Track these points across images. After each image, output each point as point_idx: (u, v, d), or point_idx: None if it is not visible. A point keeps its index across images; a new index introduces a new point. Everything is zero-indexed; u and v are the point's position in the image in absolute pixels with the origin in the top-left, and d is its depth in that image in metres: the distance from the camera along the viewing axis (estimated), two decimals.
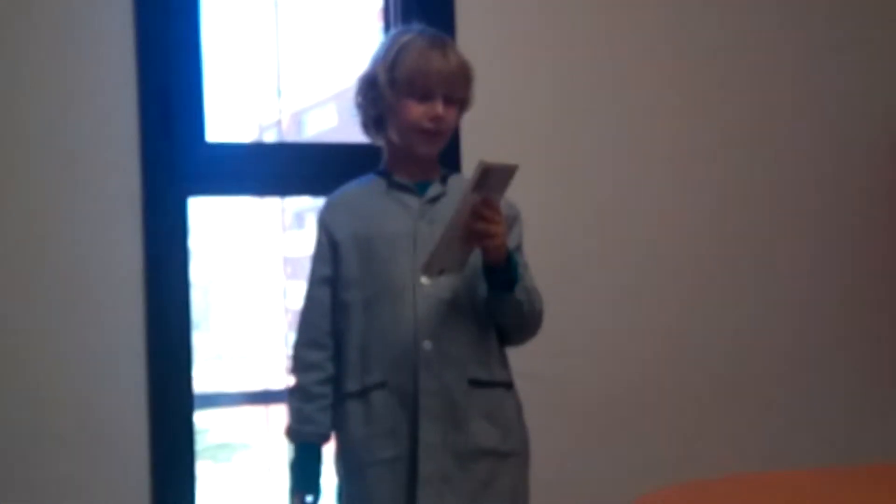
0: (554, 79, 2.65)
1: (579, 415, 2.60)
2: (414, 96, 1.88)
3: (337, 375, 1.94)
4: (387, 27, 2.58)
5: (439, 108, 1.87)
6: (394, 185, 1.94)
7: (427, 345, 1.85)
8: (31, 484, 2.18)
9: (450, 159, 2.35)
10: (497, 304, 1.87)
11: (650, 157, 2.73)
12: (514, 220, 1.95)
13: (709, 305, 2.77)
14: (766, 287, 2.83)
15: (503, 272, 1.82)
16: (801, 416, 2.82)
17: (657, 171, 2.74)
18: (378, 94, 1.92)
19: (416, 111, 1.88)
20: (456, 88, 1.90)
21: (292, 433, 1.94)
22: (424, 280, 1.84)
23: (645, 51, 2.74)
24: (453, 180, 1.98)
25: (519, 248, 1.96)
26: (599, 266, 2.67)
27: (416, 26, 1.97)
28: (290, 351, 1.97)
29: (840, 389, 2.88)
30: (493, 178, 1.70)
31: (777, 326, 2.84)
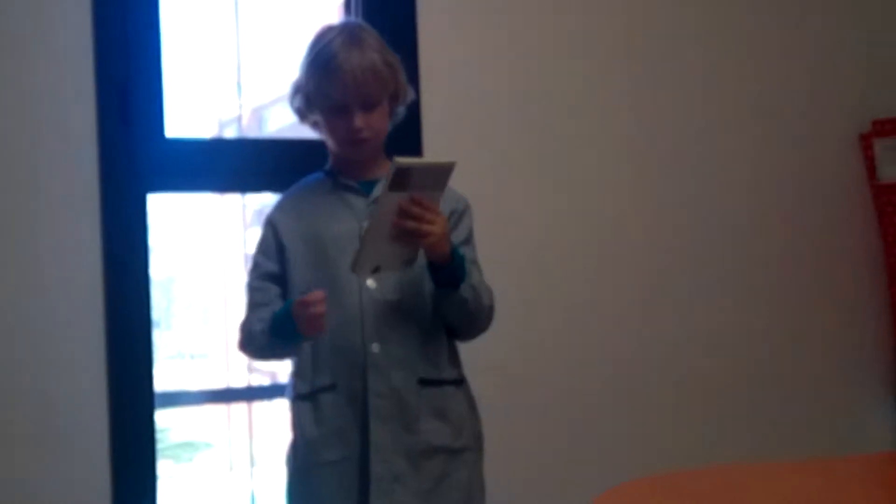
0: (515, 66, 2.65)
1: (544, 409, 2.60)
2: (329, 112, 1.88)
3: (290, 376, 1.94)
4: None
5: (356, 120, 1.85)
6: (339, 186, 1.94)
7: (375, 347, 1.85)
8: None
9: (412, 149, 2.35)
10: (442, 300, 1.87)
11: (617, 153, 2.74)
12: (461, 213, 1.95)
13: (677, 302, 2.78)
14: (739, 280, 2.85)
15: (447, 269, 1.82)
16: (777, 411, 2.84)
17: (623, 164, 2.75)
18: (301, 111, 1.94)
19: (335, 126, 1.88)
20: (369, 93, 1.86)
21: (272, 332, 1.85)
22: (370, 282, 1.84)
23: (611, 47, 2.75)
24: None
25: (468, 241, 1.95)
26: (566, 259, 2.67)
27: (337, 25, 1.94)
28: (240, 325, 1.93)
29: (815, 380, 2.91)
30: (417, 176, 1.69)
31: (750, 323, 2.86)
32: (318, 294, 1.76)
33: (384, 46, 1.91)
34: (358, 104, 1.85)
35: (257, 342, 1.88)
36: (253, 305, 1.92)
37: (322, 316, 1.76)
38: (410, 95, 1.98)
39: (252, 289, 1.93)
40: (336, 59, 1.84)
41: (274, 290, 1.90)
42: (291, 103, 1.96)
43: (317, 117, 1.91)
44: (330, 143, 1.94)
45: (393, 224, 1.72)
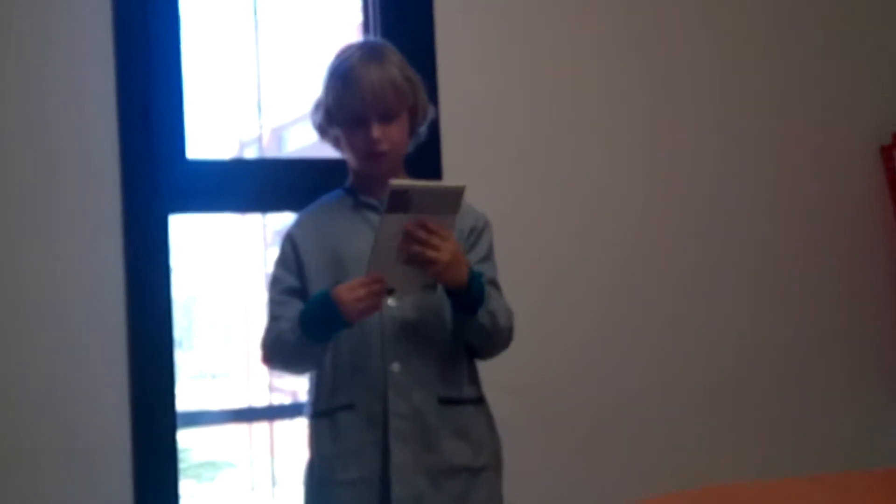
0: (533, 87, 2.65)
1: (563, 428, 2.59)
2: (347, 125, 1.88)
3: (308, 394, 1.94)
4: None
5: (374, 131, 1.85)
6: (359, 203, 1.94)
7: (395, 367, 1.84)
8: (13, 503, 2.16)
9: (431, 168, 2.36)
10: (460, 324, 1.86)
11: (636, 168, 2.74)
12: (481, 231, 1.95)
13: (696, 316, 2.77)
14: (756, 295, 2.84)
15: (464, 295, 1.80)
16: (792, 425, 2.83)
17: (640, 177, 2.74)
18: (322, 127, 1.95)
19: (355, 139, 1.88)
20: (388, 106, 1.87)
21: (303, 326, 1.82)
22: (390, 301, 1.84)
23: (627, 56, 2.75)
24: None
25: (487, 258, 1.94)
26: (584, 277, 2.67)
27: (358, 43, 1.97)
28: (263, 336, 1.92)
29: (835, 396, 2.89)
30: (418, 198, 1.68)
31: (768, 335, 2.85)
32: (373, 274, 1.74)
33: (404, 63, 1.92)
34: (376, 116, 1.85)
35: (285, 341, 1.84)
36: (275, 318, 1.91)
37: (381, 294, 1.75)
38: (431, 113, 1.99)
39: (274, 302, 1.92)
40: (354, 70, 1.85)
41: (296, 304, 1.89)
42: (313, 120, 1.97)
43: (337, 132, 1.91)
44: (350, 159, 1.94)
45: (399, 248, 1.72)
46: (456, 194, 1.72)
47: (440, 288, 1.83)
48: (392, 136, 1.88)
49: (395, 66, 1.89)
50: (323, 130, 1.96)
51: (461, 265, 1.78)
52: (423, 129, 1.99)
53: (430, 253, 1.72)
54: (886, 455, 2.72)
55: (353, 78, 1.85)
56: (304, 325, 1.82)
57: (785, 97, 2.90)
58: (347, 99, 1.86)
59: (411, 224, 1.70)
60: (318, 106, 1.95)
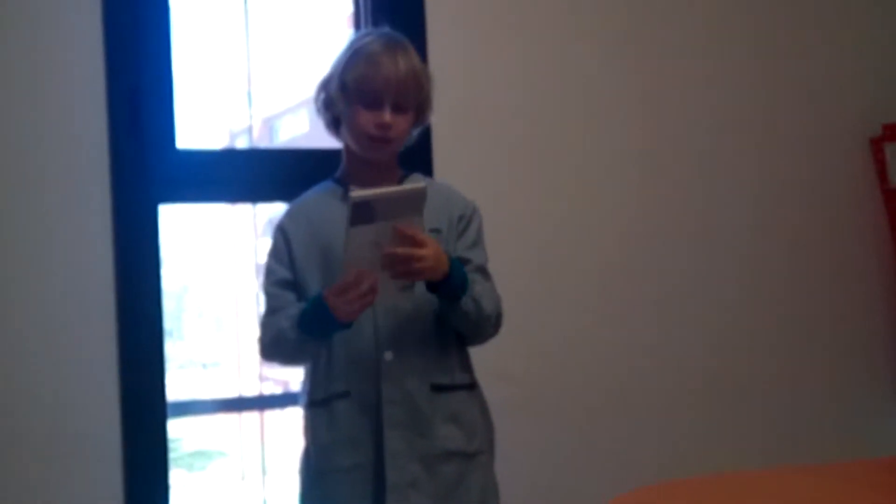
0: (524, 81, 2.65)
1: (555, 415, 2.60)
2: (362, 103, 1.89)
3: (303, 383, 1.95)
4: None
5: (387, 115, 1.87)
6: (349, 195, 1.94)
7: (388, 355, 1.86)
8: (2, 494, 2.16)
9: (422, 163, 2.36)
10: (445, 313, 1.88)
11: (623, 155, 2.74)
12: (469, 217, 1.96)
13: (687, 305, 2.78)
14: (748, 285, 2.85)
15: (445, 285, 1.81)
16: (788, 414, 2.84)
17: (631, 169, 2.75)
18: (331, 99, 1.94)
19: (364, 118, 1.88)
20: (405, 95, 1.89)
21: (302, 327, 1.84)
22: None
23: (617, 50, 2.76)
24: (409, 182, 1.98)
25: (476, 244, 1.96)
26: (576, 265, 2.67)
27: (378, 30, 1.98)
28: (260, 325, 1.93)
29: (830, 386, 2.91)
30: (382, 206, 1.66)
31: (762, 324, 2.85)
32: (361, 275, 1.74)
33: (421, 61, 1.96)
34: (392, 101, 1.87)
35: (285, 339, 1.86)
36: (272, 310, 1.92)
37: (372, 293, 1.75)
38: (430, 117, 2.00)
39: (269, 295, 1.93)
40: (381, 54, 1.88)
41: (290, 296, 1.91)
42: (318, 96, 1.97)
43: (345, 109, 1.91)
44: (351, 141, 1.94)
45: (382, 266, 1.71)
46: (418, 196, 1.71)
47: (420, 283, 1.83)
48: (399, 127, 1.90)
49: (417, 59, 1.93)
50: (328, 105, 1.95)
51: (441, 260, 1.79)
52: (415, 133, 2.00)
53: (416, 265, 1.73)
54: (885, 446, 2.74)
55: (379, 60, 1.87)
56: (304, 326, 1.83)
57: (775, 89, 2.91)
58: (370, 78, 1.87)
59: (389, 247, 1.69)
60: (326, 83, 1.95)
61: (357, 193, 1.65)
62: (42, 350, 2.21)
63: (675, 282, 2.78)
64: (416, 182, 1.94)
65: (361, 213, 1.65)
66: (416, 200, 1.71)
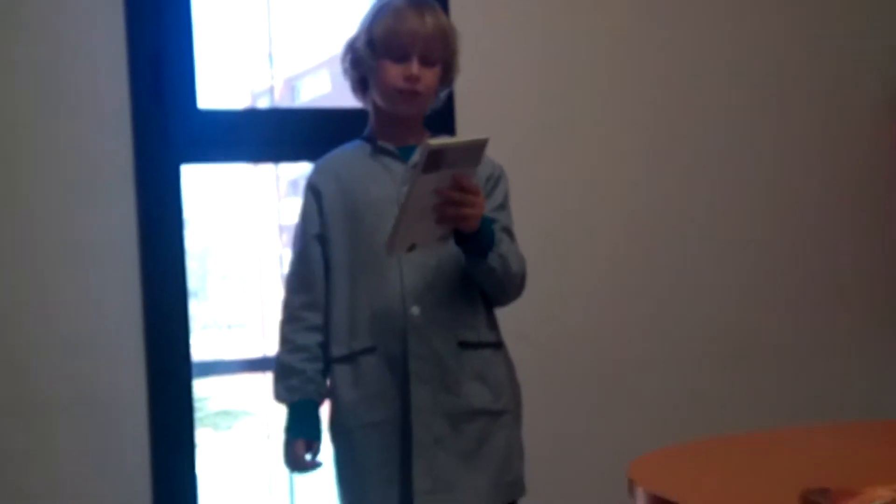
0: (546, 47, 2.63)
1: (573, 377, 2.60)
2: (390, 57, 1.89)
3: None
4: None
5: (414, 67, 1.88)
6: (378, 150, 1.95)
7: (415, 310, 1.85)
8: (30, 455, 2.19)
9: (445, 127, 2.34)
10: (471, 269, 1.87)
11: (644, 125, 2.72)
12: (497, 179, 1.96)
13: (704, 271, 2.76)
14: (763, 252, 2.83)
15: (475, 239, 1.81)
16: (804, 377, 2.83)
17: (650, 139, 2.73)
18: (359, 57, 1.94)
19: (392, 71, 1.89)
20: (432, 49, 1.89)
21: (294, 391, 1.92)
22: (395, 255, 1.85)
23: (639, 19, 2.72)
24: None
25: (503, 206, 1.96)
26: (594, 231, 2.66)
27: None
28: (283, 308, 1.96)
29: (844, 350, 2.89)
30: (450, 156, 1.68)
31: (779, 287, 2.84)
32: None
33: (448, 19, 1.97)
34: (419, 54, 1.88)
35: (280, 366, 1.95)
36: (302, 282, 1.94)
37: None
38: (457, 76, 1.99)
39: (301, 254, 1.95)
40: (407, 9, 1.89)
41: (318, 265, 1.92)
42: (345, 56, 1.97)
43: (372, 63, 1.91)
44: (378, 96, 1.94)
45: (434, 209, 1.72)
46: (480, 147, 1.73)
47: None
48: (427, 80, 1.90)
49: (444, 17, 1.95)
50: (356, 65, 1.95)
51: (481, 214, 1.80)
52: (443, 94, 2.00)
53: (468, 211, 1.74)
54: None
55: (406, 14, 1.88)
56: (283, 398, 1.95)
57: (795, 56, 2.87)
58: (397, 31, 1.88)
59: (447, 190, 1.71)
60: (353, 42, 1.95)
61: (434, 142, 1.67)
62: (67, 312, 2.23)
63: (696, 245, 2.76)
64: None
65: (433, 161, 1.67)
66: (478, 152, 1.73)
